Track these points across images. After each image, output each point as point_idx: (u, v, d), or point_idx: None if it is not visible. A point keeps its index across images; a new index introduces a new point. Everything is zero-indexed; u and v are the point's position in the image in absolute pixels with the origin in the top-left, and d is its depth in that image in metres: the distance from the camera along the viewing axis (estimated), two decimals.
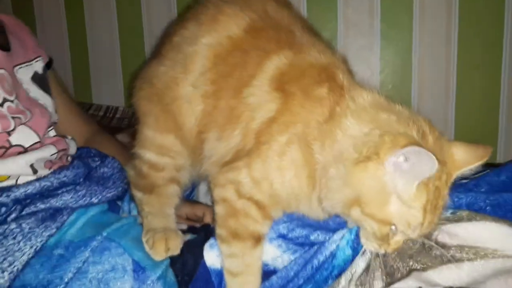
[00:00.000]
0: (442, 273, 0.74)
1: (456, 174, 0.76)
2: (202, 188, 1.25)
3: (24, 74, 1.07)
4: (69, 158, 1.10)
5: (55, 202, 0.91)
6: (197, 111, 0.92)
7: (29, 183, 0.92)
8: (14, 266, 0.82)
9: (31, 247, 0.85)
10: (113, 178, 1.04)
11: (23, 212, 0.88)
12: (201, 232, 1.02)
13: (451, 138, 1.83)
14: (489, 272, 0.72)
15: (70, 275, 0.83)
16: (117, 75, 2.06)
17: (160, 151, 1.00)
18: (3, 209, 0.88)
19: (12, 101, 0.97)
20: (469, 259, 0.74)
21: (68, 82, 2.09)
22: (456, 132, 1.87)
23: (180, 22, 1.00)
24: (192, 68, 0.92)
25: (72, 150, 1.12)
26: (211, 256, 0.89)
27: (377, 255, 0.78)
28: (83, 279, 0.82)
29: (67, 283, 0.82)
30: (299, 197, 0.83)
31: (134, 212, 1.07)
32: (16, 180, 0.95)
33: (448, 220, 0.78)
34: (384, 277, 0.77)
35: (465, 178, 0.81)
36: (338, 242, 0.81)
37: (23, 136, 0.98)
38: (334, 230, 0.84)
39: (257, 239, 0.86)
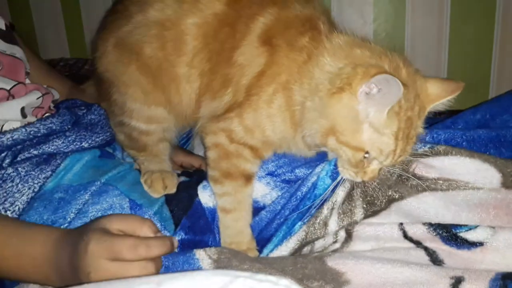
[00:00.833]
0: (418, 199, 0.79)
1: (430, 107, 0.81)
2: (197, 140, 1.29)
3: None
4: (52, 106, 1.12)
5: (47, 148, 0.95)
6: (194, 87, 0.96)
7: (15, 129, 0.94)
8: (16, 206, 0.88)
9: (29, 188, 0.90)
10: (100, 124, 1.07)
11: (18, 158, 0.92)
12: (194, 176, 1.07)
13: None
14: (459, 200, 0.77)
15: (72, 215, 0.88)
16: None
17: (148, 121, 1.03)
18: None
19: None
20: (442, 190, 0.79)
21: (62, 37, 2.10)
22: (449, 78, 1.88)
23: None
24: (185, 49, 0.93)
25: (55, 95, 1.14)
26: (204, 196, 0.95)
27: (357, 185, 0.83)
28: (83, 218, 0.88)
29: (70, 222, 0.88)
30: (287, 139, 0.89)
31: (129, 160, 1.12)
32: (2, 127, 0.97)
33: (426, 154, 0.82)
34: (364, 205, 0.82)
35: (442, 113, 0.85)
36: (319, 173, 0.86)
37: (2, 82, 0.99)
38: (318, 165, 0.89)
39: (248, 178, 0.92)
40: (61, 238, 0.75)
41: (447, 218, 0.77)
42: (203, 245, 0.90)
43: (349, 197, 0.83)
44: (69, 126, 1.02)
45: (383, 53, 0.79)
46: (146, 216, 0.90)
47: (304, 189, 0.86)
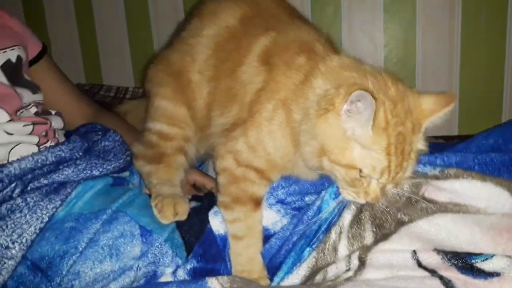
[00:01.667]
0: (429, 222, 0.77)
1: (426, 122, 0.81)
2: (211, 164, 1.30)
3: None
4: (58, 134, 1.12)
5: (57, 177, 0.94)
6: (204, 94, 1.04)
7: (23, 158, 0.94)
8: (23, 237, 0.87)
9: (37, 219, 0.88)
10: (114, 151, 1.06)
11: (28, 188, 0.91)
12: (205, 200, 1.07)
13: (456, 109, 1.85)
14: (470, 222, 0.75)
15: (83, 244, 0.88)
16: (126, 56, 2.10)
17: (171, 122, 1.09)
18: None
19: None
20: (453, 212, 0.77)
21: (78, 64, 2.14)
22: (460, 103, 1.88)
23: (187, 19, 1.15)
24: (197, 57, 1.05)
25: (57, 125, 1.13)
26: (215, 223, 0.95)
27: (366, 208, 0.82)
28: (95, 246, 0.88)
29: (81, 252, 0.87)
30: (288, 157, 0.90)
31: (142, 185, 1.12)
32: (8, 153, 0.98)
33: (436, 177, 0.81)
34: (374, 228, 0.81)
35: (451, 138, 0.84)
36: (323, 196, 0.87)
37: None
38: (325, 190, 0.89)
39: (256, 202, 0.93)
40: None
41: (460, 239, 0.75)
42: (215, 273, 0.90)
43: (357, 220, 0.82)
44: (80, 154, 1.01)
45: (370, 73, 0.81)
46: (157, 244, 0.90)
47: (310, 213, 0.87)
